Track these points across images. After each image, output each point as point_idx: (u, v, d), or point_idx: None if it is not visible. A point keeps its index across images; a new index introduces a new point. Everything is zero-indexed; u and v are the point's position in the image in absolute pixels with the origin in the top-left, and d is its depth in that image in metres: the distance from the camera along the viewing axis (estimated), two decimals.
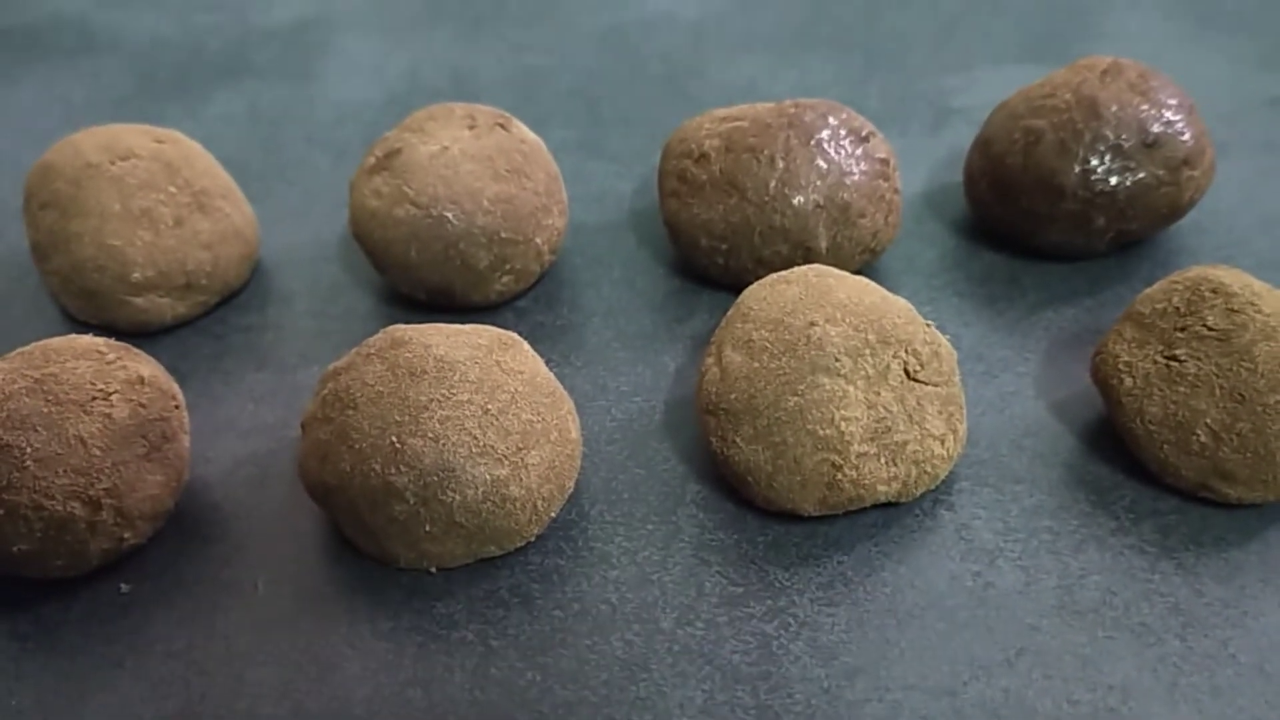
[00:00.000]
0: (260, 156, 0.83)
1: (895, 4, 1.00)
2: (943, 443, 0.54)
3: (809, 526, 0.55)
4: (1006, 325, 0.66)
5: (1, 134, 0.87)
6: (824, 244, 0.63)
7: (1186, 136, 0.64)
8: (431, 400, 0.51)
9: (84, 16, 1.04)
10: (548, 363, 0.60)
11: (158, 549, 0.55)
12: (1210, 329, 0.53)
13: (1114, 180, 0.64)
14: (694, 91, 0.89)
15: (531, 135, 0.68)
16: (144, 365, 0.55)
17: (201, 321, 0.68)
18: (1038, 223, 0.67)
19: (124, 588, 0.54)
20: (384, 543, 0.52)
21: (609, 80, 0.91)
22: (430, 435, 0.50)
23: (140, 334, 0.66)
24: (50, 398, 0.51)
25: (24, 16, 1.04)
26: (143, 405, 0.53)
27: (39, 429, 0.50)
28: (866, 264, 0.66)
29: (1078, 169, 0.64)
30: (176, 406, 0.55)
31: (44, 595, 0.54)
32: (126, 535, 0.52)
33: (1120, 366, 0.56)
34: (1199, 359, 0.53)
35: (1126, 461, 0.57)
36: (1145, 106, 0.64)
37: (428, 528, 0.51)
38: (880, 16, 0.98)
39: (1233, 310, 0.53)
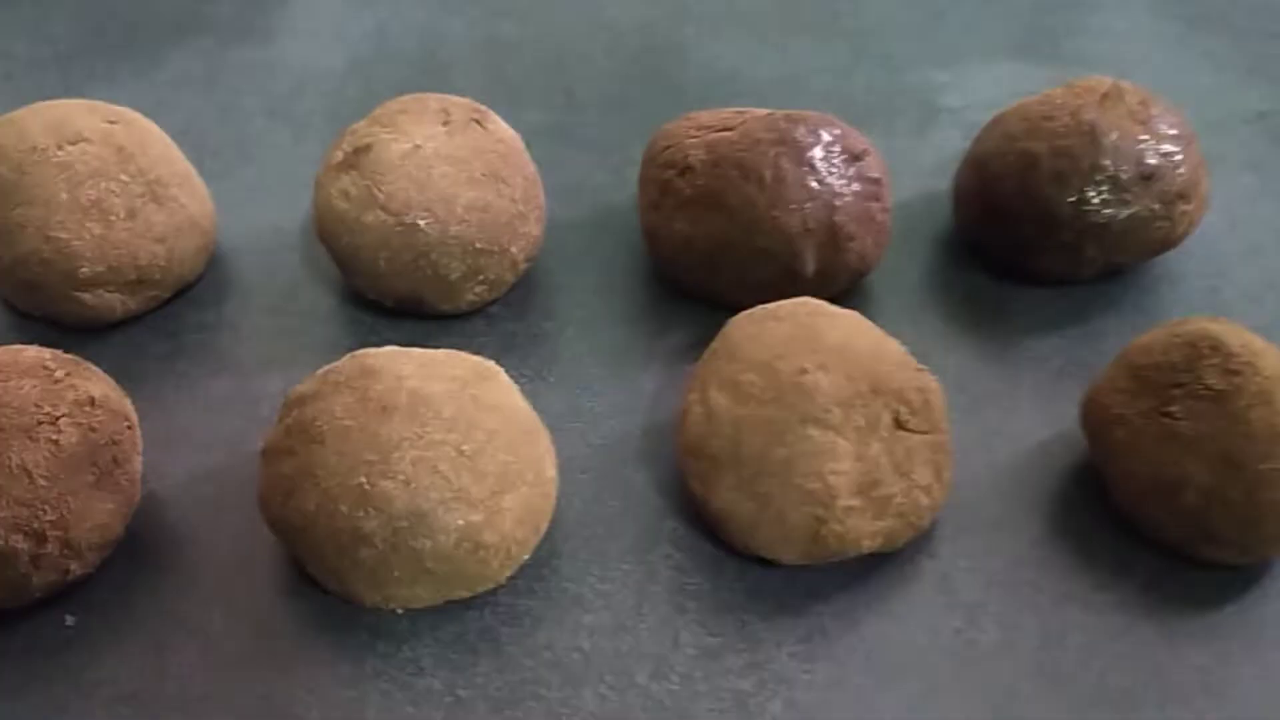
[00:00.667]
0: (216, 129, 0.78)
1: None
2: (928, 493, 0.52)
3: (788, 572, 0.53)
4: (991, 353, 0.64)
5: None
6: (810, 268, 0.61)
7: (1183, 169, 0.63)
8: (403, 439, 0.48)
9: None
10: (520, 379, 0.57)
11: (106, 576, 0.52)
12: (1207, 389, 0.52)
13: (1109, 213, 0.62)
14: (673, 75, 0.85)
15: (508, 131, 0.65)
16: (95, 384, 0.52)
17: (153, 317, 0.65)
18: (1029, 250, 0.65)
19: (69, 620, 0.51)
20: (349, 585, 0.50)
21: (585, 57, 0.87)
22: (401, 477, 0.48)
23: (88, 329, 0.63)
24: None
25: None
26: (93, 429, 0.50)
27: None
28: (852, 285, 0.64)
29: (1074, 200, 0.62)
30: (129, 427, 0.52)
31: None
32: (73, 566, 0.50)
33: (1111, 417, 0.54)
34: (1193, 419, 0.52)
35: (1111, 512, 0.56)
36: (1144, 136, 0.63)
37: (396, 573, 0.48)
38: (866, 2, 0.95)
39: (1231, 371, 0.52)
